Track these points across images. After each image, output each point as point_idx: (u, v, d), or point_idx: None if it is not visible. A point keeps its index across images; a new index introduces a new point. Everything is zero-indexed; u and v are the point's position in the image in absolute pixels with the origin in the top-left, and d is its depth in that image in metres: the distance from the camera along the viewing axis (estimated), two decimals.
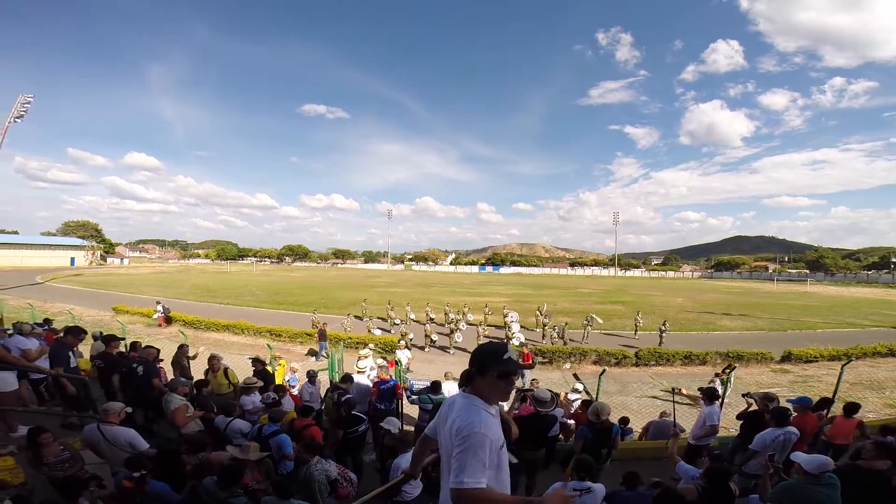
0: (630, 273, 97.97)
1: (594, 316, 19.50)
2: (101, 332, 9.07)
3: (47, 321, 10.82)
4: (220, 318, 20.42)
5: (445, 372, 8.60)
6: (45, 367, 5.76)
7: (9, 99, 37.42)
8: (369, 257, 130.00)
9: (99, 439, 4.43)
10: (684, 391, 7.52)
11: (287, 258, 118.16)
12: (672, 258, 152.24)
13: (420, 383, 8.50)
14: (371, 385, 7.95)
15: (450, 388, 7.67)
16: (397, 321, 21.47)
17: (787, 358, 15.04)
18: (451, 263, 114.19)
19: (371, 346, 12.07)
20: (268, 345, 13.05)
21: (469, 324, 20.80)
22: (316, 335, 16.17)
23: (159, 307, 20.72)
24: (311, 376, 8.00)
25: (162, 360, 7.84)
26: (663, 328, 17.93)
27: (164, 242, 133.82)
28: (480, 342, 15.62)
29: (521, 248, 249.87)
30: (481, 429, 1.76)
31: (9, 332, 5.99)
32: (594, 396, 8.33)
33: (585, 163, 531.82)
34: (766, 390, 7.71)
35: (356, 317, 22.06)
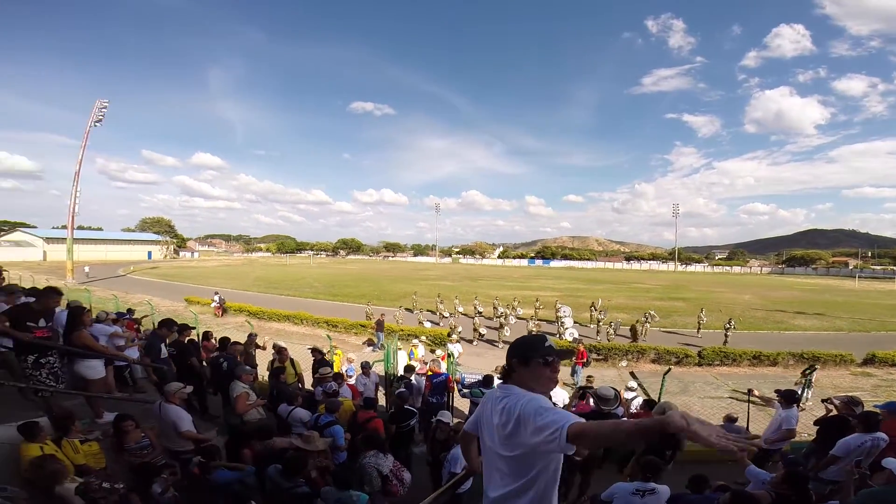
0: (691, 268, 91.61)
1: (652, 313, 18.63)
2: (174, 322, 9.80)
3: (130, 311, 11.94)
4: (281, 308, 21.56)
5: (497, 366, 8.53)
6: (129, 356, 6.32)
7: (88, 104, 40.57)
8: (418, 250, 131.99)
9: (157, 415, 4.83)
10: (756, 392, 7.05)
11: (341, 251, 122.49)
12: (738, 252, 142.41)
13: (471, 377, 8.50)
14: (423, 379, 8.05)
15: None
16: (446, 314, 21.68)
17: (870, 360, 13.69)
18: (499, 257, 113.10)
19: (423, 338, 12.24)
20: (327, 335, 13.59)
21: (518, 318, 20.55)
22: (373, 326, 16.60)
23: (216, 297, 22.22)
24: (366, 367, 8.16)
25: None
26: (728, 326, 16.77)
27: (230, 237, 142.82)
28: None
29: (573, 241, 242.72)
30: (533, 398, 1.70)
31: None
32: (656, 395, 7.99)
33: (641, 153, 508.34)
34: (848, 394, 7.08)
35: (407, 309, 22.47)
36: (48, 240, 65.23)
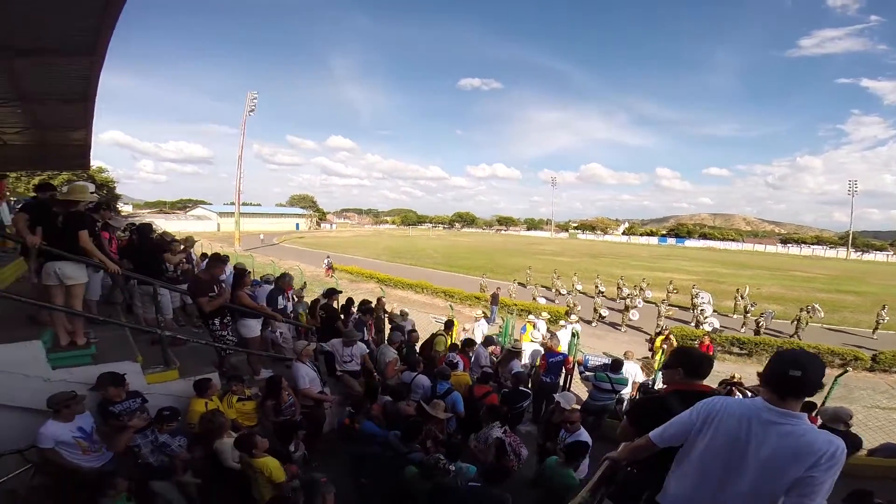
0: (871, 256, 70.94)
1: (816, 306, 15.72)
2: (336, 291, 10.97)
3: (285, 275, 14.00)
4: (405, 277, 23.27)
5: (626, 351, 8.05)
6: (280, 315, 7.09)
7: (242, 96, 46.83)
8: (532, 224, 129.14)
9: (288, 373, 5.35)
10: None
11: (457, 224, 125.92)
12: None
13: (596, 359, 8.09)
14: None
15: (630, 370, 7.17)
16: (563, 291, 21.14)
17: None
18: (624, 233, 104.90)
19: (545, 314, 12.14)
20: (450, 305, 14.28)
21: (647, 301, 19.11)
22: (488, 298, 16.90)
23: (327, 260, 25.91)
24: (488, 341, 8.17)
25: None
26: None
27: (361, 211, 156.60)
28: (662, 323, 14.37)
29: (714, 218, 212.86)
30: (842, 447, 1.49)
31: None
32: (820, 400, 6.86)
33: (804, 122, 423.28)
34: None
35: (520, 284, 22.39)
36: (220, 214, 78.82)
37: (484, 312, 16.67)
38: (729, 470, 1.67)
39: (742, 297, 17.67)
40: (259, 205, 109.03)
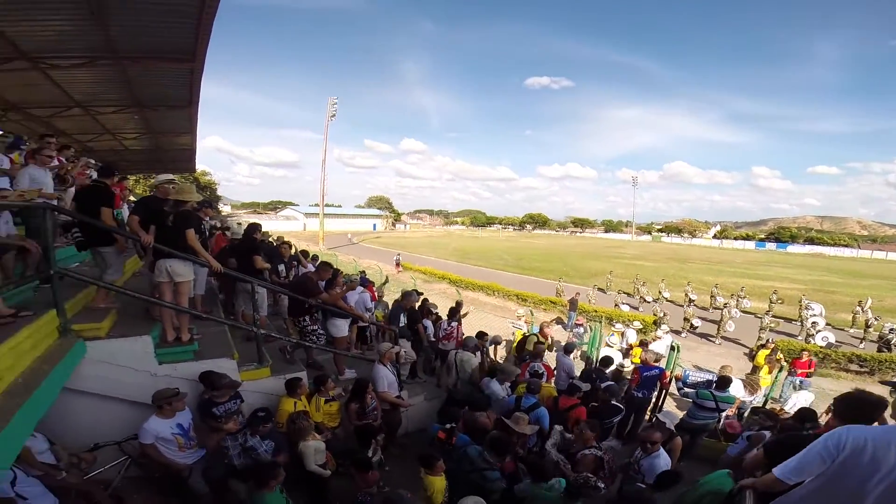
0: None
1: None
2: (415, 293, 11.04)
3: (363, 273, 14.37)
4: (475, 278, 23.03)
5: (723, 366, 7.21)
6: (367, 316, 7.30)
7: (323, 103, 49.15)
8: (610, 226, 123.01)
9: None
10: None
11: (527, 226, 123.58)
12: None
13: (697, 375, 7.42)
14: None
15: (733, 387, 6.45)
16: (648, 298, 19.71)
17: None
18: (715, 237, 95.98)
19: (635, 324, 11.26)
20: (530, 311, 13.70)
21: (745, 311, 17.23)
22: (565, 303, 16.17)
23: (397, 257, 28.05)
24: (570, 348, 7.70)
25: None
26: None
27: (432, 212, 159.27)
28: (764, 335, 12.91)
29: (822, 221, 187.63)
30: None
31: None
32: None
33: None
34: None
35: (599, 289, 21.33)
36: (306, 214, 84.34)
37: (559, 318, 16.11)
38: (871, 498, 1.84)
39: (863, 310, 15.45)
40: (340, 206, 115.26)
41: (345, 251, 38.35)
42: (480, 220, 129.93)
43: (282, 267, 7.07)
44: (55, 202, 4.37)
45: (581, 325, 13.56)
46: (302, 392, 4.66)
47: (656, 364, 6.98)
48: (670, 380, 7.24)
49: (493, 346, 8.48)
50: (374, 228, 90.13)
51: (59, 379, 3.19)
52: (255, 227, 6.25)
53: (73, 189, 5.96)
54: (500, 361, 8.18)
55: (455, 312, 7.83)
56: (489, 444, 4.13)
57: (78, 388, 3.77)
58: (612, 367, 7.31)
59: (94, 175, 9.28)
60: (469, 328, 8.99)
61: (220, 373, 4.17)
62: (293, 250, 7.47)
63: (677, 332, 14.54)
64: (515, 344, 9.45)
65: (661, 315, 14.22)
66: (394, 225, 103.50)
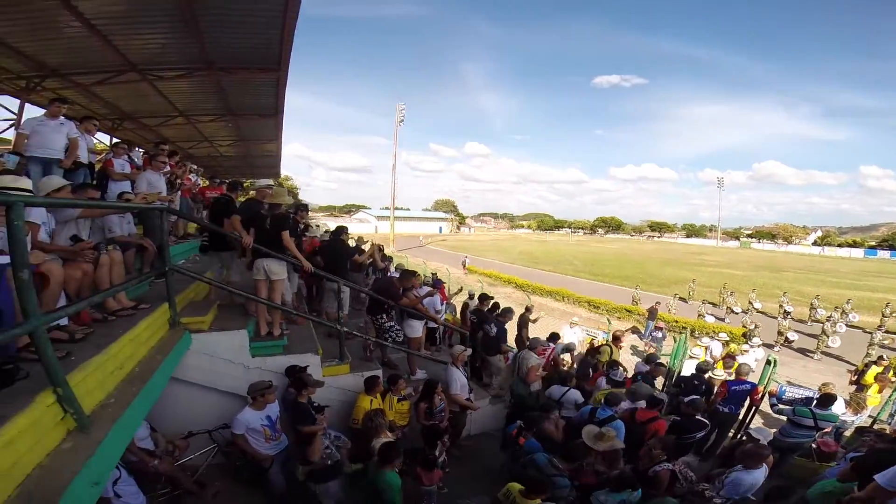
0: None
1: None
2: (472, 293, 11.02)
3: (434, 275, 14.51)
4: (543, 283, 22.39)
5: (825, 383, 6.46)
6: (440, 318, 7.37)
7: (391, 109, 50.49)
8: (692, 231, 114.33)
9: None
10: None
11: (599, 230, 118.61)
12: None
13: (794, 391, 6.81)
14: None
15: (835, 406, 5.89)
16: (736, 309, 18.04)
17: None
18: (816, 243, 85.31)
19: (723, 335, 10.28)
20: (607, 319, 13.20)
21: (851, 326, 15.19)
22: (643, 312, 15.45)
23: (465, 259, 29.20)
24: (652, 360, 7.35)
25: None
26: None
27: (497, 215, 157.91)
28: (874, 352, 11.34)
29: None
30: None
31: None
32: None
33: None
34: None
35: (681, 298, 19.91)
36: (378, 217, 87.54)
37: (635, 327, 15.21)
38: None
39: None
40: (408, 209, 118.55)
41: (413, 253, 39.22)
42: (548, 224, 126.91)
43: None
44: (168, 204, 4.79)
45: (661, 328, 12.89)
46: (378, 390, 4.77)
47: (747, 378, 6.47)
48: (762, 395, 6.64)
49: (566, 353, 8.13)
50: (440, 231, 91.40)
51: (169, 369, 3.44)
52: (342, 230, 6.49)
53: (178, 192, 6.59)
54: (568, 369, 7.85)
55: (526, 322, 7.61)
56: (563, 453, 4.10)
57: (181, 377, 4.06)
58: (702, 377, 6.76)
59: (195, 179, 10.26)
60: (538, 334, 8.66)
61: (307, 372, 4.34)
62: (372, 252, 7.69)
63: (769, 346, 13.22)
64: (584, 350, 9.13)
65: (752, 327, 13.17)
66: (458, 228, 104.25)
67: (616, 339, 8.25)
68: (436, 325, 7.48)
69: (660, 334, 12.60)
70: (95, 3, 5.44)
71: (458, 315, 9.28)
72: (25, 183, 2.64)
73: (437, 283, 8.39)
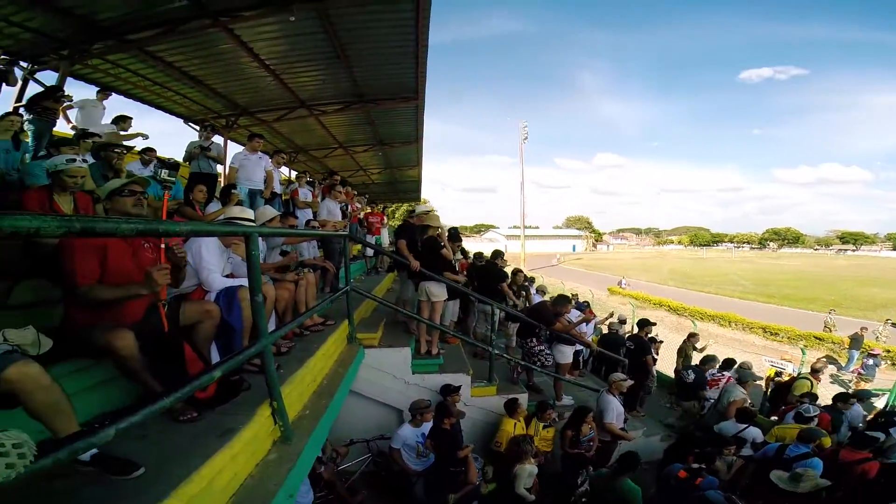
0: None
1: None
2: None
3: (578, 298, 13.76)
4: (701, 306, 19.72)
5: None
6: (590, 342, 6.99)
7: (513, 127, 50.09)
8: None
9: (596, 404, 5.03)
10: None
11: (771, 243, 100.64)
12: None
13: None
14: None
15: None
16: None
17: None
18: None
19: None
20: (801, 348, 11.05)
21: None
22: (841, 340, 13.40)
23: (623, 283, 28.07)
24: (863, 396, 6.50)
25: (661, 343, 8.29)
26: None
27: (639, 230, 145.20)
28: None
29: None
30: None
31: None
32: None
33: None
34: None
35: (893, 324, 16.14)
36: (507, 236, 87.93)
37: (830, 356, 12.89)
38: None
39: None
40: (537, 227, 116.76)
41: (546, 272, 38.14)
42: (703, 238, 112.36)
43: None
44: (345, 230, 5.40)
45: (877, 354, 10.68)
46: (520, 414, 4.75)
47: None
48: None
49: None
50: (574, 250, 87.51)
51: (349, 381, 3.77)
52: (498, 254, 6.56)
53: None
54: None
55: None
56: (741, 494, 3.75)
57: (354, 389, 4.38)
58: None
59: (360, 206, 11.42)
60: None
61: (453, 395, 4.46)
62: (521, 276, 7.60)
63: None
64: (767, 385, 8.03)
65: None
66: (595, 245, 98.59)
67: (815, 371, 7.19)
68: (580, 349, 7.16)
69: (871, 361, 10.22)
70: (265, 44, 6.16)
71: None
72: (250, 214, 3.15)
73: (580, 306, 7.95)
